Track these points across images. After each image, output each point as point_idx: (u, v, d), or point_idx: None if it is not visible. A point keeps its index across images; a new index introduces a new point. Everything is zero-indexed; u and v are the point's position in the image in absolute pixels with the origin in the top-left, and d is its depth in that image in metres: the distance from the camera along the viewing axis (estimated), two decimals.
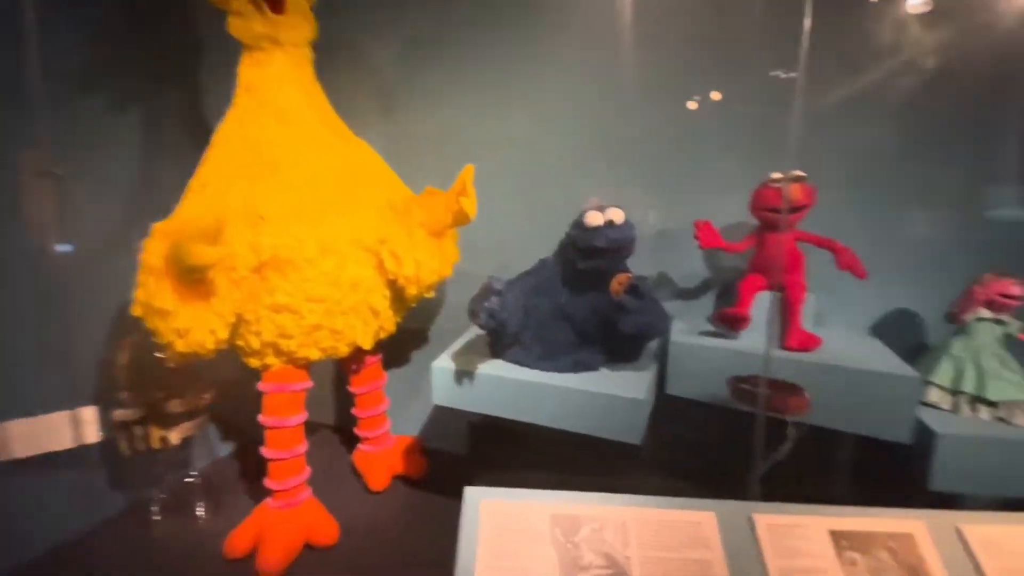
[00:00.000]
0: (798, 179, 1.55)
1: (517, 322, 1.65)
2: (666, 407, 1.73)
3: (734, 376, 1.46)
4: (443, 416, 1.69)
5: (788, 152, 1.54)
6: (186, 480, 2.14)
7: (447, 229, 1.78)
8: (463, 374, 1.64)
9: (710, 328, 1.74)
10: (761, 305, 1.67)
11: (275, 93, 1.67)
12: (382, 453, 2.19)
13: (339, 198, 1.70)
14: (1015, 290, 1.44)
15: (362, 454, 2.21)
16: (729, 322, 1.65)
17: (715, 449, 1.73)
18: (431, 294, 1.85)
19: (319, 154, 1.71)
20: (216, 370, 2.00)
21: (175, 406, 1.91)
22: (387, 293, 1.79)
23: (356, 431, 2.21)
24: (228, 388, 2.11)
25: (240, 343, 1.70)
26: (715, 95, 1.83)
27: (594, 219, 1.51)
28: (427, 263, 1.74)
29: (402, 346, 2.43)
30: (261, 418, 1.78)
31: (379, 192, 1.83)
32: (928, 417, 1.42)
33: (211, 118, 2.19)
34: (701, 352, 1.63)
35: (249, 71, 1.69)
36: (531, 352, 1.68)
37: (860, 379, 1.42)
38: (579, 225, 1.57)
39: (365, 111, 2.31)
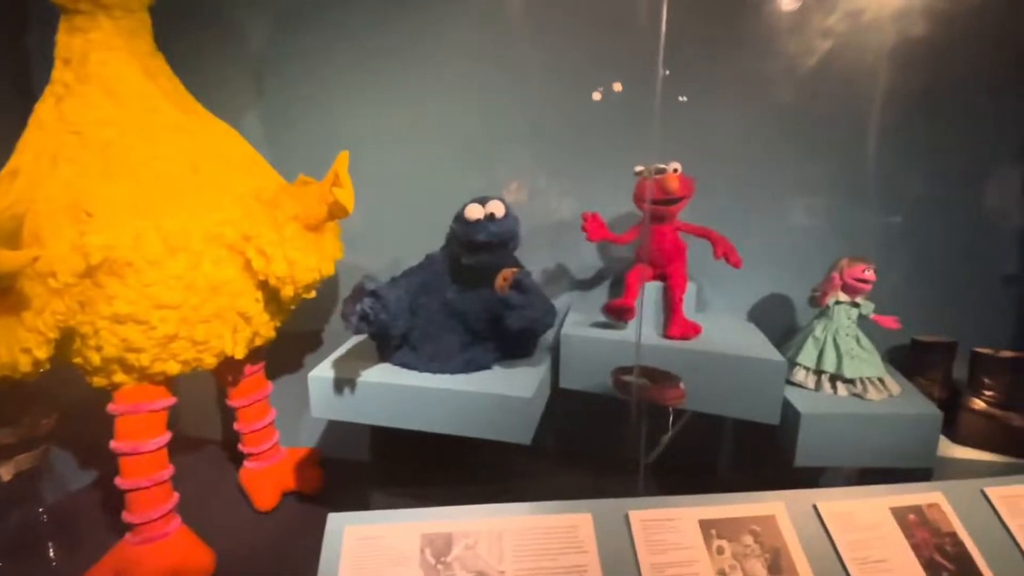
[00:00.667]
0: (660, 171, 1.58)
1: (404, 322, 1.56)
2: (561, 402, 1.73)
3: (617, 367, 1.47)
4: (342, 423, 1.56)
5: (665, 143, 1.56)
6: (32, 518, 1.86)
7: (323, 223, 1.63)
8: (343, 383, 1.52)
9: (602, 319, 1.75)
10: (649, 295, 1.70)
11: (101, 66, 1.43)
12: (270, 469, 2.02)
13: (190, 187, 1.49)
14: (867, 275, 1.55)
15: (248, 471, 2.02)
16: (616, 313, 1.66)
17: (605, 442, 1.74)
18: (311, 294, 1.70)
19: (162, 136, 1.49)
20: (65, 389, 1.74)
21: (4, 436, 1.64)
22: (259, 295, 1.61)
23: (240, 448, 2.01)
24: (78, 410, 1.84)
25: (78, 360, 1.47)
26: (597, 94, 1.82)
27: (474, 212, 1.44)
28: (302, 261, 1.59)
29: (289, 351, 2.24)
30: (113, 444, 1.56)
31: (243, 181, 1.63)
32: (794, 397, 1.51)
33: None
34: (591, 344, 1.63)
35: (67, 39, 1.44)
36: (420, 353, 1.60)
37: (732, 365, 1.48)
38: (460, 219, 1.49)
39: (235, 92, 2.08)
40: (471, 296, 1.58)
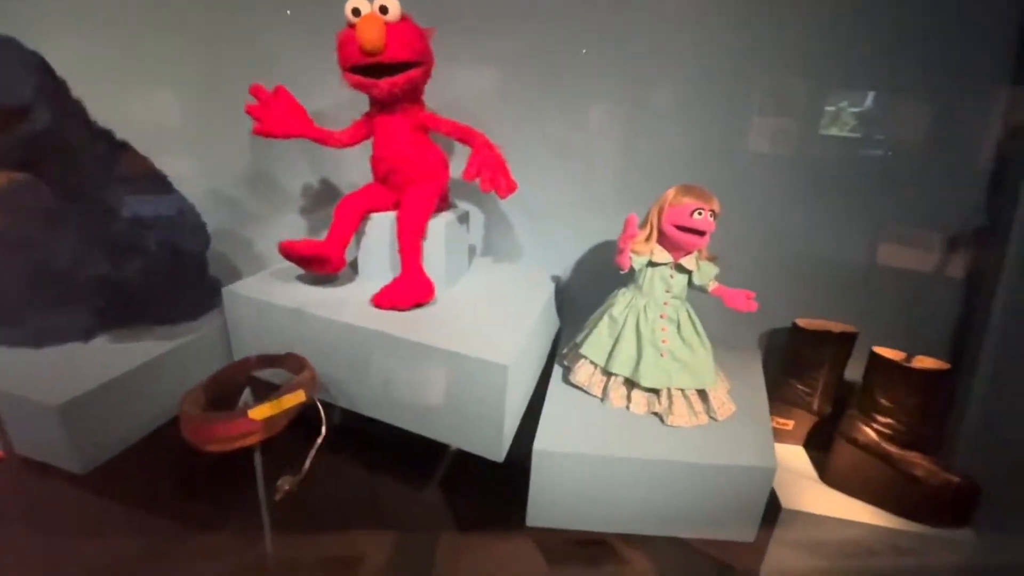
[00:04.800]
0: (355, 12, 0.88)
1: None
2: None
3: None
4: None
5: None
6: None
7: None
8: None
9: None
10: (379, 234, 1.08)
11: None
12: None
13: None
14: (697, 220, 0.89)
15: None
16: (304, 262, 1.04)
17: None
18: None
19: None
20: None
21: None
22: None
23: None
24: None
25: None
26: None
27: None
28: None
29: None
30: None
31: None
32: (543, 420, 0.93)
33: None
34: (263, 309, 1.04)
35: None
36: None
37: (450, 365, 0.88)
38: None
39: None
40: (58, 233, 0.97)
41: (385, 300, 0.98)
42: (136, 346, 1.01)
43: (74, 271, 0.98)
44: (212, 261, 1.17)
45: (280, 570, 0.84)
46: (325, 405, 0.89)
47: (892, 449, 0.99)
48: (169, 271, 1.02)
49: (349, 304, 1.00)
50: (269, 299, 1.01)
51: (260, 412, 0.71)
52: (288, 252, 1.01)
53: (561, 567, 0.88)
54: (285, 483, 0.83)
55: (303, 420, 0.85)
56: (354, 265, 1.13)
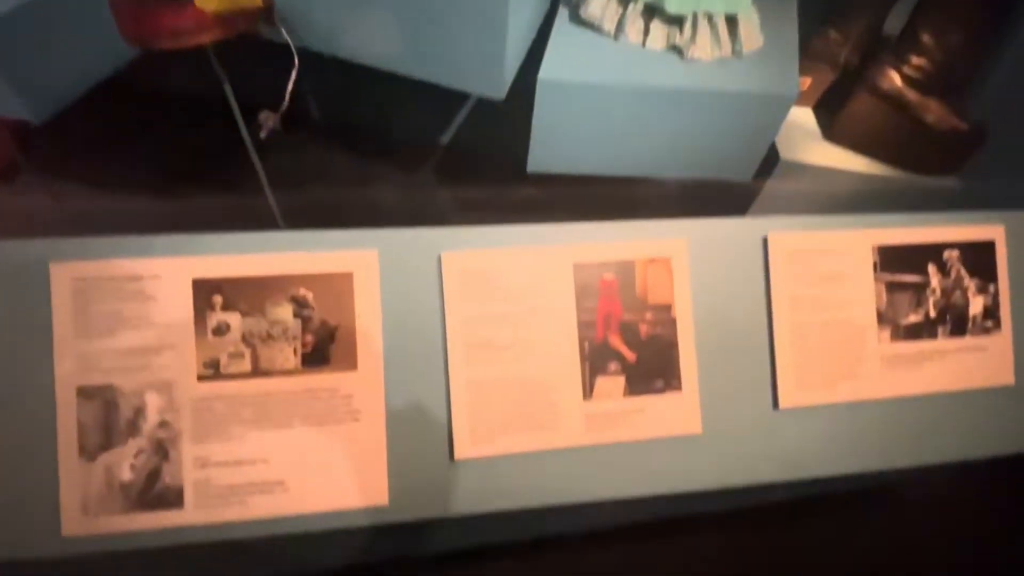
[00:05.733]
0: None
1: None
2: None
3: None
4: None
5: None
6: None
7: None
8: None
9: None
10: None
11: None
12: None
13: None
14: None
15: None
16: None
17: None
18: None
19: None
20: None
21: None
22: None
23: None
24: None
25: None
26: None
27: None
28: None
29: None
30: None
31: None
32: (553, 48, 0.82)
33: None
34: None
35: None
36: None
37: None
38: None
39: None
40: None
41: None
42: None
43: None
44: None
45: (286, 217, 0.83)
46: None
47: (912, 95, 0.94)
48: None
49: None
50: None
51: (209, 2, 0.58)
52: None
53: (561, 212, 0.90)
54: (268, 118, 0.76)
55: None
56: None
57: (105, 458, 0.52)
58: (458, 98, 1.14)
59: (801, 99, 1.09)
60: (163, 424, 0.53)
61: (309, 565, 0.74)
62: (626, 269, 0.59)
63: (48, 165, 0.88)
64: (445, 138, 1.20)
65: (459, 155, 1.01)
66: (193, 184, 0.86)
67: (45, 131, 0.80)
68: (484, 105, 0.99)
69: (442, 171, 1.07)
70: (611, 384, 0.59)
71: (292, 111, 0.79)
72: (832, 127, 1.02)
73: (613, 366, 0.59)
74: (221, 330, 0.53)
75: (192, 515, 0.53)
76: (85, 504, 0.51)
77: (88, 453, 0.52)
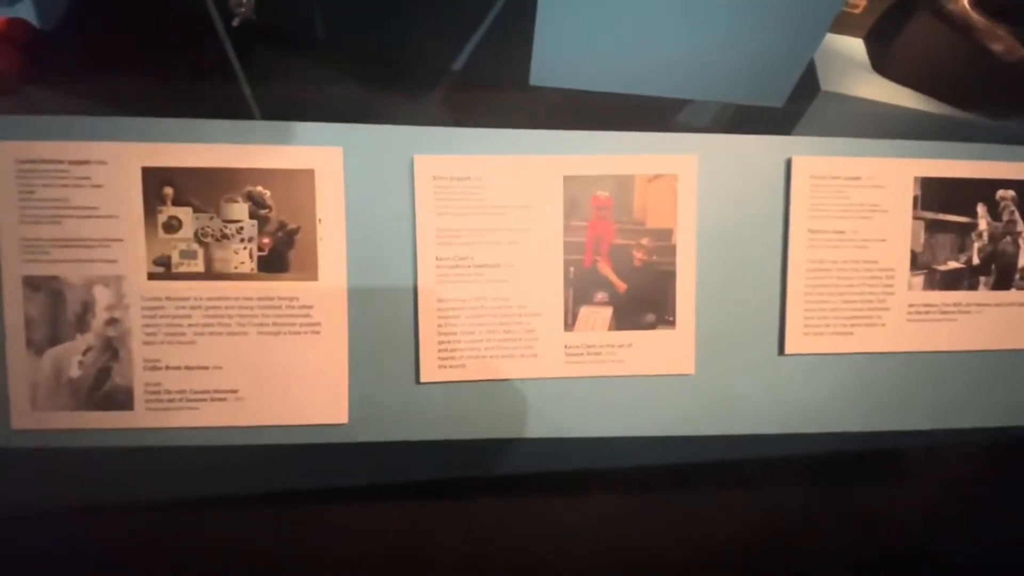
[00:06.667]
0: None
1: None
2: None
3: None
4: None
5: None
6: None
7: None
8: None
9: None
10: None
11: None
12: None
13: None
14: None
15: None
16: None
17: None
18: None
19: None
20: None
21: None
22: None
23: None
24: None
25: None
26: None
27: None
28: None
29: None
30: None
31: None
32: None
33: None
34: None
35: None
36: None
37: None
38: None
39: None
40: None
41: None
42: None
43: None
44: None
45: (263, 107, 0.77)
46: None
47: (979, 20, 0.82)
48: None
49: None
50: None
51: None
52: None
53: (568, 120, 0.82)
54: (238, 4, 0.69)
55: None
56: None
57: (54, 352, 0.49)
58: (471, 22, 1.05)
59: (852, 28, 0.97)
60: (112, 321, 0.50)
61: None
62: (624, 185, 0.53)
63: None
64: (458, 64, 1.12)
65: (469, 82, 0.94)
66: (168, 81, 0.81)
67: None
68: (498, 29, 0.91)
69: (450, 99, 1.00)
70: (596, 315, 0.53)
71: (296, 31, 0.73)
72: (884, 56, 0.90)
73: (600, 295, 0.53)
74: (172, 226, 0.49)
75: (143, 418, 0.50)
76: (34, 398, 0.49)
77: (36, 346, 0.49)
